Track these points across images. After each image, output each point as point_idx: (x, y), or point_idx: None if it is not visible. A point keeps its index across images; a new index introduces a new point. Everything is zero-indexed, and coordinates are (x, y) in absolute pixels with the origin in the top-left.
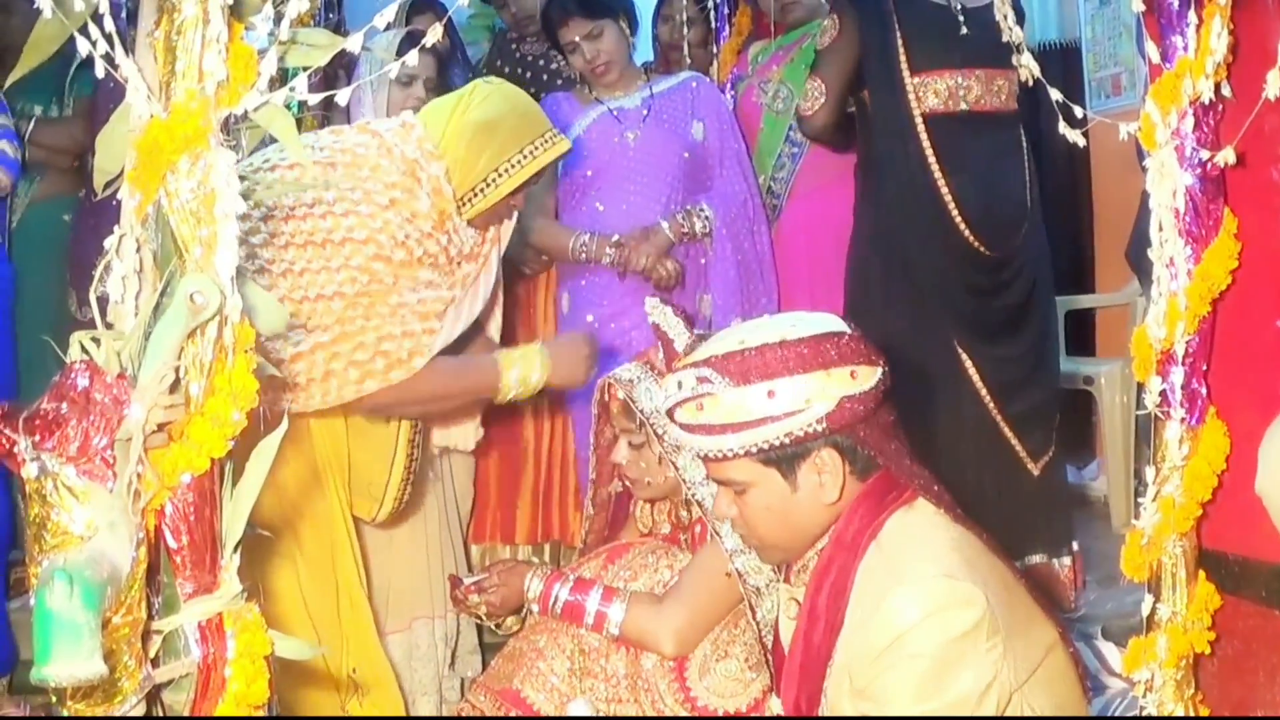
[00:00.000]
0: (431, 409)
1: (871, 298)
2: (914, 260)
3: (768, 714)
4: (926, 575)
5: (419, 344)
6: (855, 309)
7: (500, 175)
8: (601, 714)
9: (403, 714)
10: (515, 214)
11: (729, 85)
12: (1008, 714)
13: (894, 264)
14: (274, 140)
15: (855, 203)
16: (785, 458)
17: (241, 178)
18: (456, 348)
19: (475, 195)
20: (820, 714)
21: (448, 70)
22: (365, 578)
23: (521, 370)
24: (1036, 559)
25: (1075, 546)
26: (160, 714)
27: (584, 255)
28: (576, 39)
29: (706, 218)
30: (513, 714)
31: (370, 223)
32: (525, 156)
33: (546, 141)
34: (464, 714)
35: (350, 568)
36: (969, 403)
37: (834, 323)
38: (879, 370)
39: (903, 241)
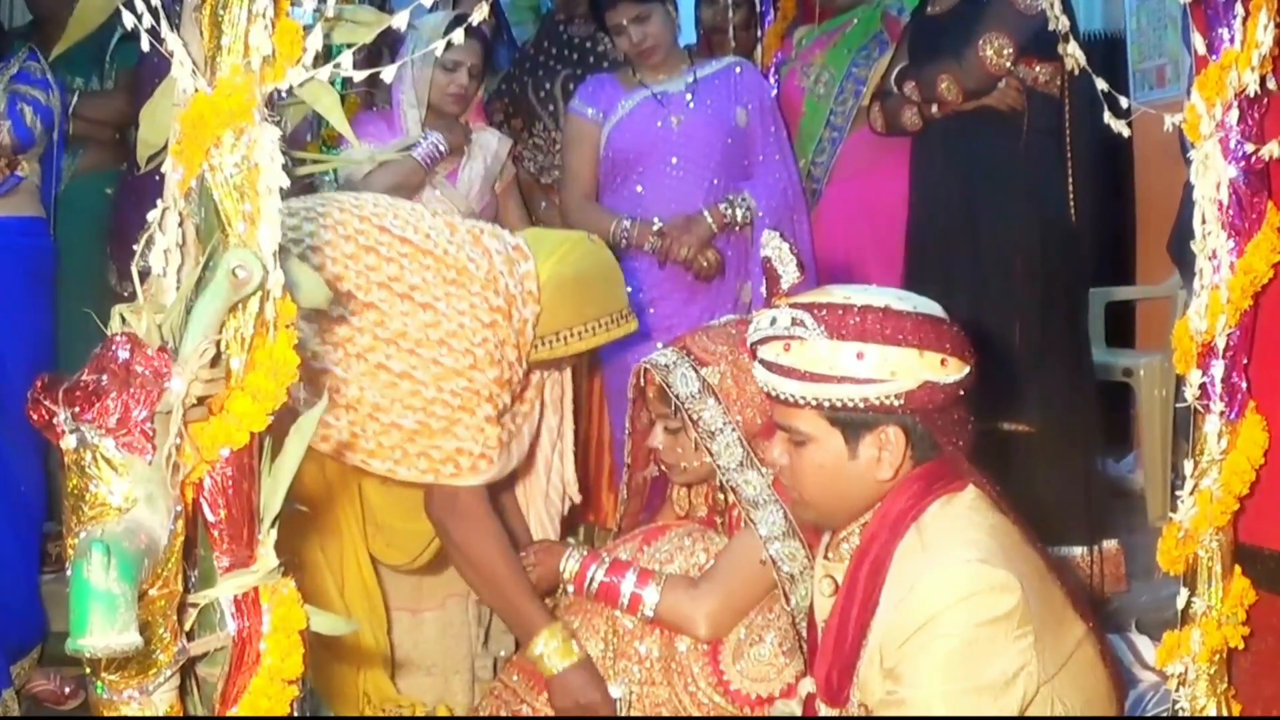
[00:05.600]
0: (465, 570)
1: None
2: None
3: (799, 698)
4: (962, 559)
5: (475, 464)
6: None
7: (574, 335)
8: (634, 696)
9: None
10: (564, 371)
11: (773, 69)
12: (1038, 707)
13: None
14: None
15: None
16: (853, 423)
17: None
18: None
19: (543, 344)
20: (851, 693)
21: (493, 56)
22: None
23: (552, 645)
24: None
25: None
26: (194, 687)
27: (625, 241)
28: (624, 22)
29: (749, 206)
30: (524, 713)
31: (470, 337)
32: (601, 325)
33: (622, 317)
34: (495, 693)
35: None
36: None
37: (938, 309)
38: (968, 368)
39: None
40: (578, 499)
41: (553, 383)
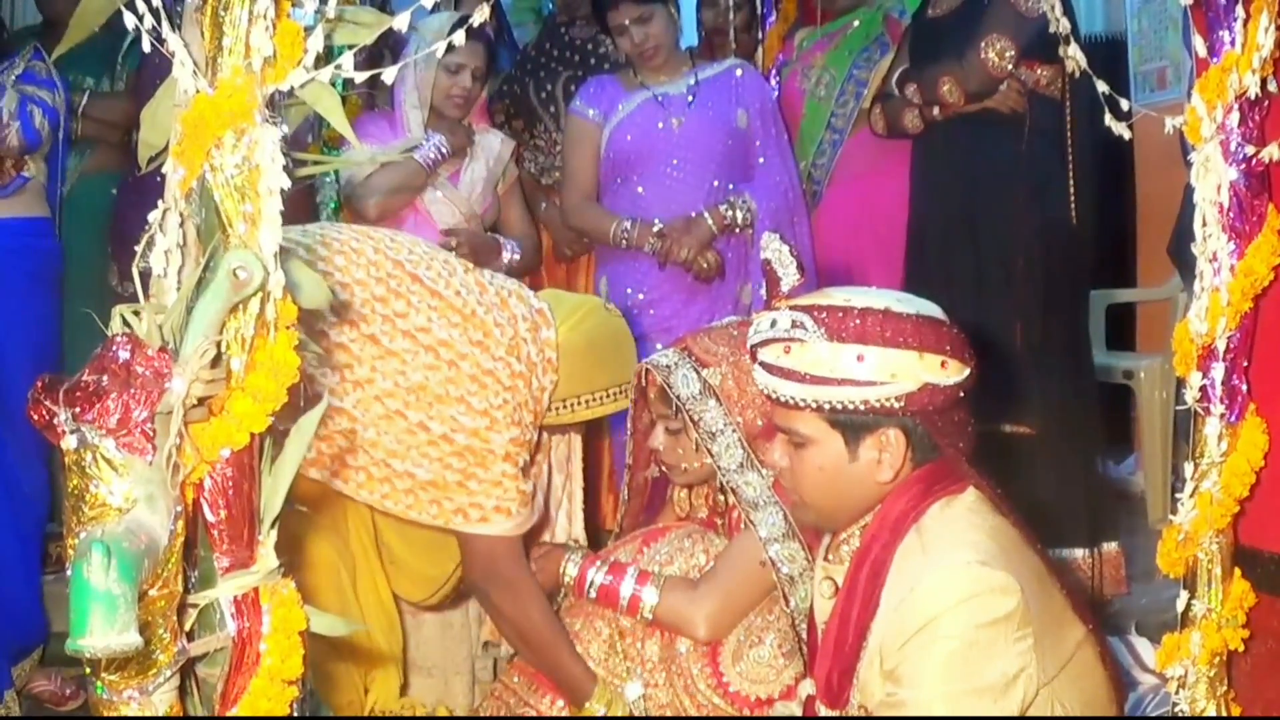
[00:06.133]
0: (510, 634)
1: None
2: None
3: (799, 700)
4: (962, 561)
5: (486, 516)
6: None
7: (581, 404)
8: (646, 694)
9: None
10: (569, 434)
11: (774, 71)
12: (1038, 709)
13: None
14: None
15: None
16: (853, 425)
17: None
18: None
19: (550, 410)
20: (851, 695)
21: (496, 60)
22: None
23: (600, 710)
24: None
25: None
26: (194, 687)
27: (625, 242)
28: (626, 22)
29: (749, 209)
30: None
31: (491, 398)
32: (609, 395)
33: (632, 388)
34: (496, 694)
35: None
36: None
37: (938, 311)
38: (968, 370)
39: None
40: None
41: (558, 443)
